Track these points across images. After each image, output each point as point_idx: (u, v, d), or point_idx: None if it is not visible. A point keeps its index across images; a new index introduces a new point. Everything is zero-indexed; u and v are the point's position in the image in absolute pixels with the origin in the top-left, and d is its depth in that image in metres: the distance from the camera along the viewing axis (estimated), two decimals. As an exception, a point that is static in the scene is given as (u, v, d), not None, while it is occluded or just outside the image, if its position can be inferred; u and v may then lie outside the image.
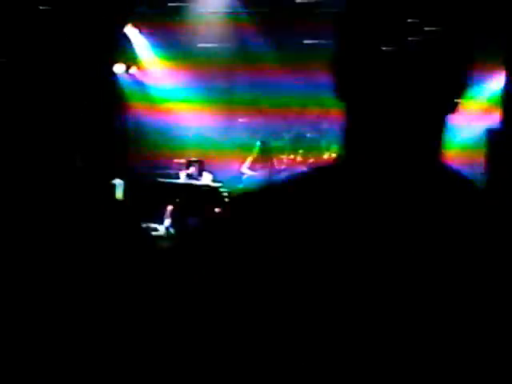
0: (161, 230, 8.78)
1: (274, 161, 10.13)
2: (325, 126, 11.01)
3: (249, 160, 9.78)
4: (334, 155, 10.40)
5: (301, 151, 10.84)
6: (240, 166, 10.00)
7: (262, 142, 9.80)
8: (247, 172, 9.75)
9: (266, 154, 9.79)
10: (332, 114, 10.78)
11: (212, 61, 9.81)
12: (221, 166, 9.50)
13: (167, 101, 10.31)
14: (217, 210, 8.56)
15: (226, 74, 10.28)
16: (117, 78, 10.05)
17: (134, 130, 10.06)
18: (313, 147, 10.99)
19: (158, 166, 9.46)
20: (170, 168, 9.43)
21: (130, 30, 10.09)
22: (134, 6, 9.70)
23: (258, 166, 9.72)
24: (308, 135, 11.02)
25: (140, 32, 10.20)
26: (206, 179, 8.97)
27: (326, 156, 10.79)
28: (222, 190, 8.64)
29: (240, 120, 10.51)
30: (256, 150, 9.75)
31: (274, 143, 10.39)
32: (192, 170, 8.93)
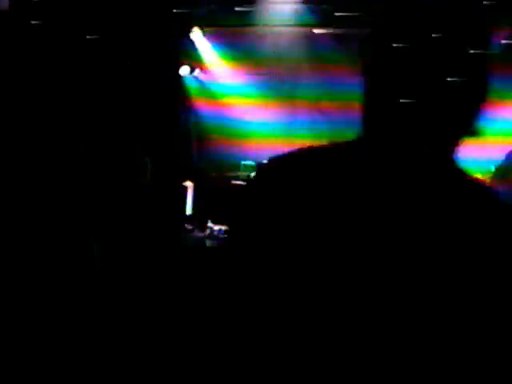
0: (232, 232, 8.75)
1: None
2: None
3: None
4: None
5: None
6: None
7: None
8: None
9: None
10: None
11: (275, 61, 9.83)
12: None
13: (234, 98, 10.30)
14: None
15: (289, 74, 10.24)
16: (183, 80, 10.15)
17: (201, 133, 10.09)
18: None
19: (226, 168, 9.46)
20: (239, 169, 9.42)
21: (194, 33, 10.14)
22: (199, 9, 9.76)
23: None
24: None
25: (204, 34, 10.22)
26: (277, 180, 8.90)
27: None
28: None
29: (301, 118, 10.44)
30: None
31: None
32: (263, 171, 8.85)
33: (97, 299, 5.37)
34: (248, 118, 9.96)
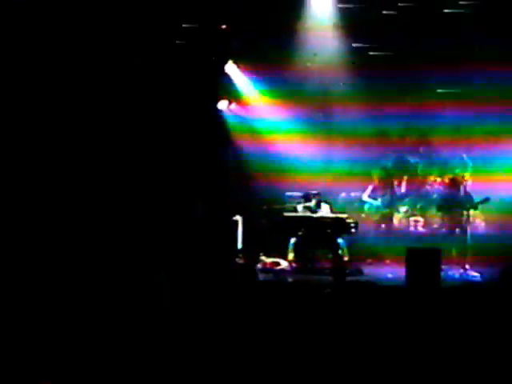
0: (283, 264, 8.70)
1: (395, 186, 10.19)
2: (422, 150, 10.85)
3: (370, 188, 9.87)
4: (438, 178, 10.25)
5: (406, 177, 10.66)
6: (345, 193, 10.16)
7: (384, 168, 9.97)
8: (368, 200, 9.88)
9: (387, 180, 9.94)
10: (429, 140, 10.71)
11: (310, 96, 9.93)
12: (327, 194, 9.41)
13: (271, 132, 10.33)
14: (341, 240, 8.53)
15: (325, 107, 10.30)
16: (222, 114, 10.17)
17: (243, 167, 10.08)
18: (414, 171, 10.82)
19: (271, 200, 9.41)
20: (283, 201, 9.37)
21: (230, 67, 10.18)
22: (234, 44, 9.82)
23: (379, 192, 9.86)
24: (411, 160, 10.82)
25: (238, 67, 10.25)
26: (325, 210, 8.88)
27: (432, 178, 10.60)
28: (348, 220, 8.52)
29: (339, 149, 10.43)
30: (376, 177, 9.92)
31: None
32: (313, 202, 8.84)
33: (165, 318, 5.43)
34: (287, 151, 10.00)
